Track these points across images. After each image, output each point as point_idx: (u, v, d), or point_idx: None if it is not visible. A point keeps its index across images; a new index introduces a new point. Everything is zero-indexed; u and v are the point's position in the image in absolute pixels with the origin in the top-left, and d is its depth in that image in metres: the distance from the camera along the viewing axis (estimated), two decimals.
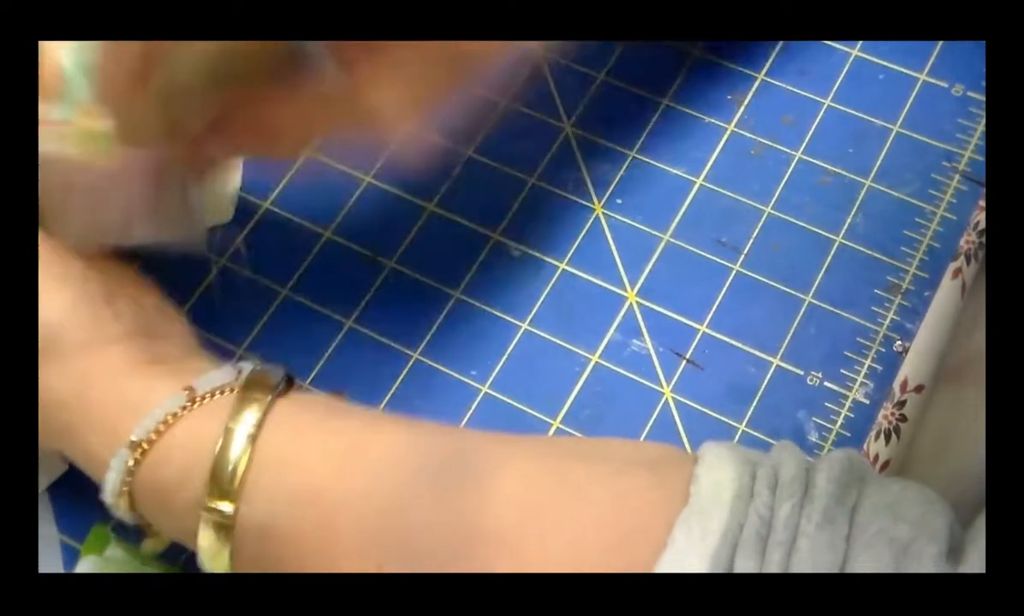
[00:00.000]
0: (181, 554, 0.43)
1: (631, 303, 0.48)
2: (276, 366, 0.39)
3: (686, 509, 0.32)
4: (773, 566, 0.30)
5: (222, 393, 0.38)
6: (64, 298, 0.39)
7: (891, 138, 0.52)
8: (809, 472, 0.32)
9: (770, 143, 0.52)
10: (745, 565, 0.30)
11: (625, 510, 0.33)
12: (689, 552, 0.31)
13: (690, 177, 0.51)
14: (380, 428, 0.38)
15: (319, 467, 0.37)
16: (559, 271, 0.49)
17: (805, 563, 0.30)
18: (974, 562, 0.29)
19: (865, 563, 0.29)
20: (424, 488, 0.35)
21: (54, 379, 0.39)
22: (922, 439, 0.44)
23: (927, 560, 0.29)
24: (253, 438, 0.37)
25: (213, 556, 0.37)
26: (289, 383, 0.39)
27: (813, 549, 0.30)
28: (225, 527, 0.36)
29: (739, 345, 0.47)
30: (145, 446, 0.37)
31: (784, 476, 0.32)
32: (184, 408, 0.38)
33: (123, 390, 0.39)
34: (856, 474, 0.32)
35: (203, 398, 0.38)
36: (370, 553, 0.35)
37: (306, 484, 0.36)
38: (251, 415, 0.37)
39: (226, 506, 0.36)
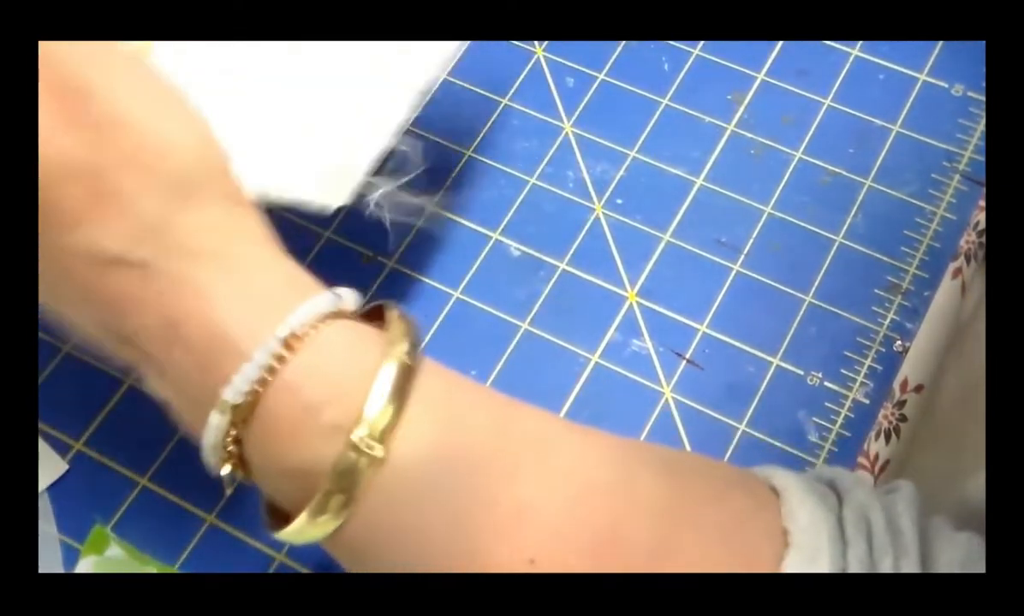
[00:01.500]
0: (181, 554, 0.43)
1: (631, 303, 0.48)
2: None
3: (792, 550, 0.31)
4: None
5: (362, 316, 0.33)
6: (201, 124, 0.32)
7: (891, 138, 0.52)
8: (890, 515, 0.32)
9: (770, 143, 0.52)
10: None
11: (741, 533, 0.33)
12: None
13: (690, 177, 0.51)
14: (518, 406, 0.33)
15: (482, 432, 0.31)
16: (559, 271, 0.49)
17: None
18: None
19: None
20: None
21: (192, 216, 0.31)
22: (927, 461, 0.44)
23: None
24: (408, 376, 0.30)
25: (317, 513, 0.30)
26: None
27: None
28: (355, 472, 0.29)
29: (739, 345, 0.47)
30: (294, 340, 0.30)
31: (876, 525, 0.32)
32: (334, 315, 0.31)
33: (274, 267, 0.32)
34: (922, 511, 0.33)
35: (351, 313, 0.32)
36: (521, 535, 0.31)
37: (469, 445, 0.31)
38: (407, 346, 0.31)
39: (377, 447, 0.29)
